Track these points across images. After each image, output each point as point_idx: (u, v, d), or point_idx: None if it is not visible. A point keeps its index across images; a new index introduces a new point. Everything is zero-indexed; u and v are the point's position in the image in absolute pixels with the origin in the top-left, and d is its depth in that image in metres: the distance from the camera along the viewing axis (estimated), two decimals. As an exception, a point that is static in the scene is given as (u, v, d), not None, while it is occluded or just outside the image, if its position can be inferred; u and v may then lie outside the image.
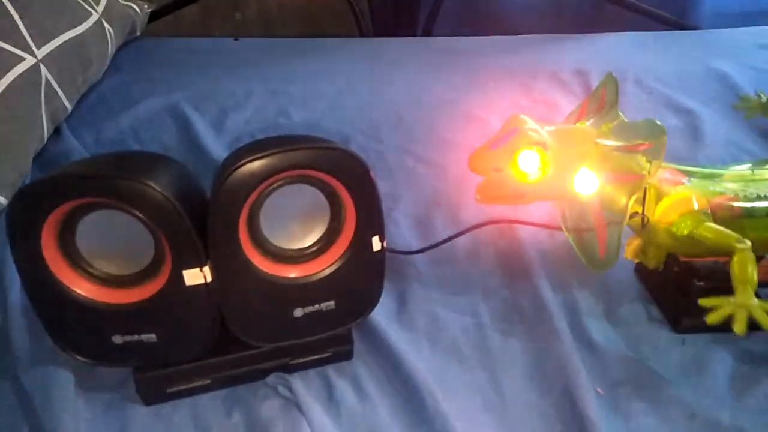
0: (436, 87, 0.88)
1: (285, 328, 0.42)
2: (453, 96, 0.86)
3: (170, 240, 0.37)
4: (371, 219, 0.42)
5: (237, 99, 0.85)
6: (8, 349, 0.45)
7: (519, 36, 1.03)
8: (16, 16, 0.68)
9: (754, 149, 0.72)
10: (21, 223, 0.36)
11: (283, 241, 0.42)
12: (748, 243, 0.42)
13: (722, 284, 0.47)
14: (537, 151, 0.45)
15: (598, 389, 0.44)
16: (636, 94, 0.85)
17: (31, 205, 0.36)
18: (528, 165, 0.45)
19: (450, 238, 0.55)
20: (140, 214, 0.36)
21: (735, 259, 0.42)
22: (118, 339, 0.40)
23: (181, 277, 0.38)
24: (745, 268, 0.41)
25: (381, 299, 0.50)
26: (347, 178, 0.40)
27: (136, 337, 0.40)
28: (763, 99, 0.76)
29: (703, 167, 0.47)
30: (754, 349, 0.47)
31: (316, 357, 0.45)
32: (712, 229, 0.43)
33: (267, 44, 1.07)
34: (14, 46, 0.66)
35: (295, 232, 0.42)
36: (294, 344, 0.44)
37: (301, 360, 0.44)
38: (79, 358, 0.41)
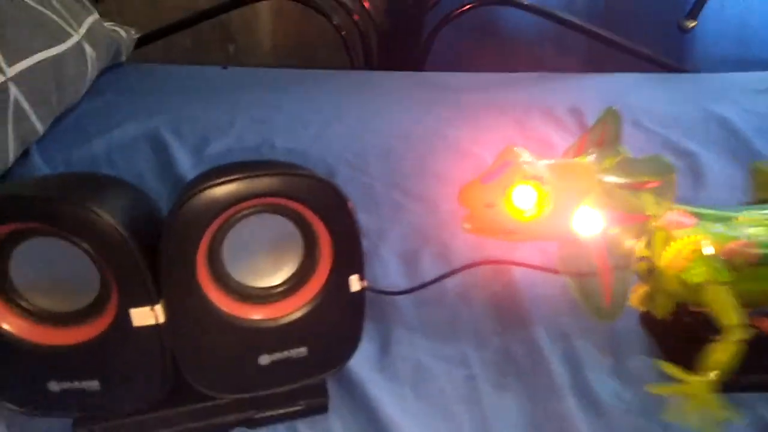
0: (426, 120, 0.85)
1: (249, 377, 0.37)
2: (444, 130, 0.82)
3: (117, 274, 0.33)
4: (349, 255, 0.37)
5: (220, 126, 0.81)
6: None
7: (512, 73, 1.01)
8: (-13, 33, 0.65)
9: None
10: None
11: (249, 278, 0.37)
12: (746, 335, 0.39)
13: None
14: (533, 186, 0.41)
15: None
16: (633, 134, 0.82)
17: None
18: (523, 201, 0.41)
19: (439, 278, 0.50)
20: (83, 244, 0.32)
21: (723, 343, 0.39)
22: (54, 386, 0.35)
23: (128, 316, 0.33)
24: (727, 356, 0.39)
25: (361, 344, 0.46)
26: (323, 209, 0.36)
27: (76, 384, 0.35)
28: None
29: (715, 209, 0.44)
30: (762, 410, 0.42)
31: (285, 410, 0.39)
32: (720, 298, 0.40)
33: (255, 73, 1.05)
34: (-19, 63, 0.63)
35: (263, 269, 0.37)
36: (260, 396, 0.38)
37: (268, 413, 0.39)
38: (10, 406, 0.35)
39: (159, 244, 0.33)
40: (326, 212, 0.35)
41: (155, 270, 0.33)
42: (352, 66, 1.12)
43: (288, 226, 0.37)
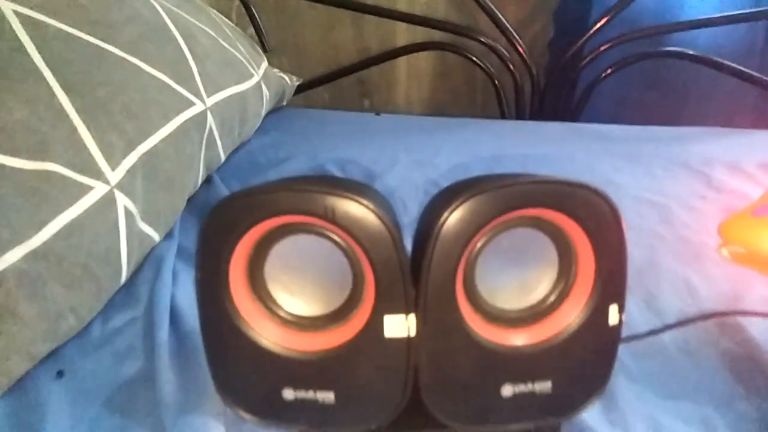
0: (597, 168, 0.81)
1: (488, 408, 0.33)
2: (618, 178, 0.78)
3: (378, 276, 0.31)
4: (613, 281, 0.33)
5: (382, 165, 0.82)
6: (153, 394, 0.39)
7: (678, 128, 0.95)
8: (193, 65, 0.70)
9: None
10: (214, 239, 0.31)
11: (499, 299, 0.34)
12: None
13: None
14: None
15: None
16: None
17: (229, 219, 0.31)
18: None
19: (668, 327, 0.45)
20: (350, 241, 0.30)
21: None
22: (289, 394, 0.33)
23: (381, 324, 0.31)
24: None
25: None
26: (592, 225, 0.32)
27: (311, 394, 0.33)
28: None
29: None
30: None
31: (513, 453, 0.35)
32: None
33: (408, 120, 1.06)
34: (188, 91, 0.67)
35: (513, 289, 0.34)
36: (493, 431, 0.34)
37: (497, 454, 0.35)
38: (242, 412, 0.34)
39: (419, 253, 0.31)
40: (596, 229, 0.32)
41: (413, 280, 0.31)
42: (503, 118, 1.11)
43: (545, 243, 0.33)
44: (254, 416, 0.34)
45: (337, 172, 0.78)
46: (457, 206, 0.31)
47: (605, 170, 0.80)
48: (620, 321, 0.34)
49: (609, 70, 1.06)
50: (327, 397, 0.33)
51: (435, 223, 0.31)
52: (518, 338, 0.33)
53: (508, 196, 0.31)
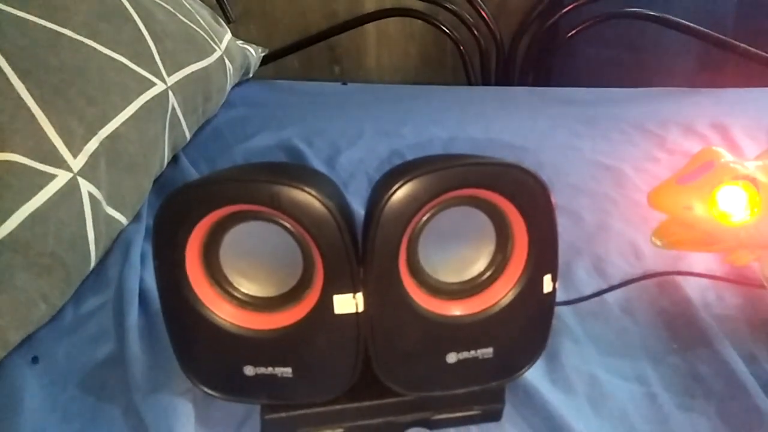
0: (556, 134, 0.83)
1: (435, 375, 0.36)
2: (575, 143, 0.80)
3: (325, 259, 0.33)
4: (545, 253, 0.36)
5: (348, 138, 0.83)
6: (124, 375, 0.41)
7: (644, 88, 0.97)
8: (152, 44, 0.70)
9: None
10: (168, 228, 0.33)
11: (441, 273, 0.36)
12: None
13: None
14: (743, 187, 0.38)
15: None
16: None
17: (181, 209, 0.33)
18: (731, 204, 0.38)
19: (610, 289, 0.48)
20: (297, 227, 0.32)
21: None
22: (250, 370, 0.35)
23: (331, 303, 0.33)
24: None
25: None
26: (524, 202, 0.34)
27: (270, 370, 0.35)
28: None
29: None
30: None
31: (461, 414, 0.38)
32: None
33: (375, 89, 1.07)
34: (148, 71, 0.67)
35: (455, 263, 0.36)
36: (441, 396, 0.37)
37: (444, 416, 0.38)
38: (205, 389, 0.36)
39: (364, 233, 0.33)
40: (527, 206, 0.34)
41: (358, 259, 0.33)
42: (470, 83, 1.12)
43: (483, 221, 0.36)
44: (218, 392, 0.36)
45: (303, 147, 0.79)
46: (397, 189, 0.33)
47: (564, 135, 0.83)
48: (554, 289, 0.37)
49: (573, 32, 1.07)
50: (285, 371, 0.35)
51: (377, 205, 0.33)
52: (460, 309, 0.36)
53: (445, 178, 0.33)
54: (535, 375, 0.42)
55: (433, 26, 1.10)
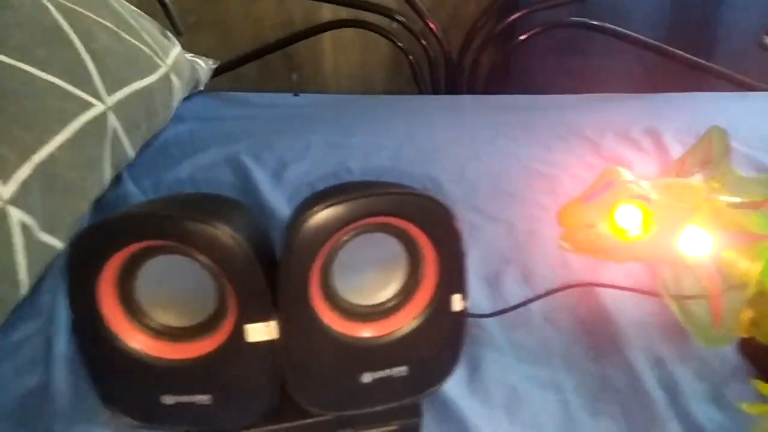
0: (497, 142, 0.85)
1: (352, 395, 0.38)
2: (516, 151, 0.82)
3: (237, 290, 0.34)
4: (454, 274, 0.38)
5: (296, 150, 0.84)
6: (49, 405, 0.42)
7: (585, 95, 1.00)
8: (91, 65, 0.70)
9: None
10: (80, 266, 0.34)
11: (356, 296, 0.38)
12: None
13: None
14: (638, 206, 0.40)
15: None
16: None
17: (91, 246, 0.34)
18: (627, 221, 0.40)
19: (529, 301, 0.50)
20: (208, 261, 0.33)
21: None
22: (169, 399, 0.36)
23: (244, 332, 0.35)
24: None
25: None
26: (432, 229, 0.36)
27: (188, 398, 0.36)
28: None
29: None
30: None
31: (380, 430, 0.40)
32: None
33: (326, 99, 1.08)
34: (86, 93, 0.67)
35: (369, 287, 0.38)
36: (358, 414, 0.39)
37: (365, 432, 0.39)
38: (125, 418, 0.37)
39: (277, 262, 0.34)
40: (435, 231, 0.36)
41: (272, 287, 0.34)
42: (420, 91, 1.14)
43: (394, 245, 0.37)
44: (139, 421, 0.37)
45: (250, 161, 0.80)
46: (308, 218, 0.34)
47: (505, 142, 0.85)
48: (464, 307, 0.39)
49: (520, 40, 1.10)
50: (204, 399, 0.36)
51: (289, 234, 0.34)
52: (374, 331, 0.38)
53: (357, 207, 0.35)
54: (455, 387, 0.44)
55: (385, 37, 1.12)
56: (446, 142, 0.86)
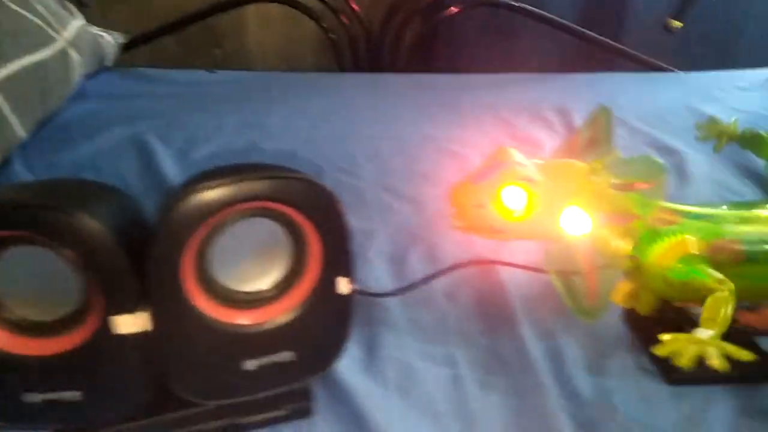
0: (414, 122, 0.85)
1: (234, 382, 0.37)
2: (432, 131, 0.83)
3: (102, 281, 0.32)
4: (339, 258, 0.37)
5: (207, 130, 0.81)
6: None
7: (500, 74, 1.02)
8: (-31, 39, 0.64)
9: (742, 190, 0.70)
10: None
11: (236, 283, 0.37)
12: (731, 285, 0.38)
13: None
14: (522, 188, 0.41)
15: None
16: (619, 133, 0.83)
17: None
18: (512, 202, 0.41)
19: (426, 279, 0.50)
20: (67, 252, 0.31)
21: (710, 299, 0.38)
22: (33, 397, 0.34)
23: (113, 324, 0.33)
24: (717, 309, 0.38)
25: (348, 347, 0.46)
26: (314, 212, 0.36)
27: (57, 395, 0.34)
28: (733, 126, 0.71)
29: (701, 207, 0.44)
30: (755, 404, 0.43)
31: (269, 415, 0.39)
32: (699, 269, 0.40)
33: (243, 77, 1.05)
34: (-37, 70, 0.62)
35: (251, 273, 0.37)
36: (244, 401, 0.38)
37: (251, 419, 0.39)
38: (-11, 418, 0.35)
39: (146, 250, 0.33)
40: (316, 215, 0.35)
41: (142, 276, 0.33)
42: (342, 69, 1.12)
43: (277, 230, 0.36)
44: (3, 421, 0.35)
45: (155, 142, 0.77)
46: (177, 204, 0.33)
47: (422, 122, 0.85)
48: (351, 290, 0.38)
49: (443, 15, 1.10)
50: (74, 396, 0.34)
51: (158, 221, 0.33)
52: (257, 318, 0.37)
53: (232, 192, 0.34)
54: (350, 368, 0.44)
55: (300, 12, 1.09)
56: (363, 122, 0.85)
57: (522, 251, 0.56)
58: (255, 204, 0.35)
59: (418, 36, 1.10)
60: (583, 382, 0.44)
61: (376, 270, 0.57)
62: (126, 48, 1.06)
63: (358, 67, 1.12)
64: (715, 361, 0.36)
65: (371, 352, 0.47)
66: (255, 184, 0.34)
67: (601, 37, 1.03)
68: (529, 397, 0.43)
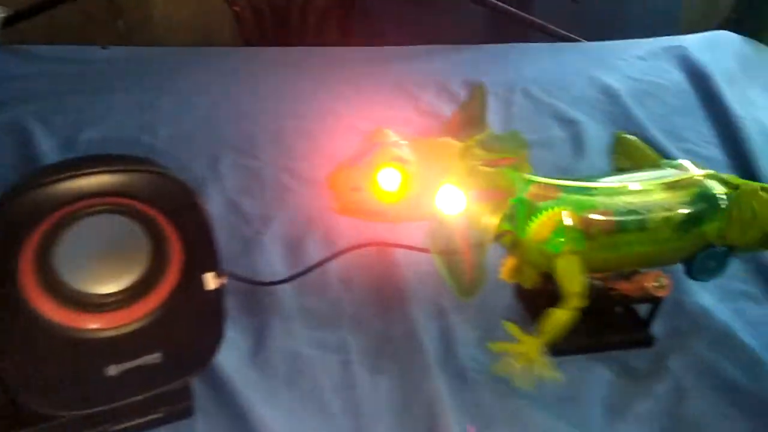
0: (319, 97, 0.83)
1: (96, 390, 0.35)
2: (337, 107, 0.81)
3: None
4: (202, 253, 0.35)
5: (95, 113, 0.75)
6: None
7: (408, 47, 1.00)
8: None
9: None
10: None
11: (88, 285, 0.34)
12: (583, 303, 0.41)
13: (599, 303, 0.45)
14: (396, 168, 0.40)
15: (469, 427, 0.39)
16: (523, 104, 0.84)
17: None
18: (388, 183, 0.40)
19: (317, 265, 0.49)
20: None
21: (561, 310, 0.42)
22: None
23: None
24: (562, 321, 0.41)
25: (235, 340, 0.44)
26: (169, 207, 0.33)
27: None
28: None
29: (577, 180, 0.45)
30: (629, 366, 0.45)
31: (144, 419, 0.37)
32: (568, 267, 0.42)
33: (140, 53, 0.98)
34: None
35: (104, 274, 0.34)
36: (114, 408, 0.36)
37: (123, 426, 0.37)
38: None
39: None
40: (173, 210, 0.33)
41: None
42: (247, 43, 1.07)
43: (133, 227, 0.34)
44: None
45: (36, 126, 0.71)
46: (10, 200, 0.30)
47: (330, 98, 0.83)
48: (220, 285, 0.37)
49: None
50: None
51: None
52: (114, 321, 0.34)
53: (76, 186, 0.31)
54: (237, 361, 0.43)
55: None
56: (266, 99, 0.82)
57: (420, 232, 0.55)
58: (100, 200, 0.32)
59: (326, 8, 1.06)
60: (470, 360, 0.44)
61: (271, 256, 0.55)
62: (14, 21, 0.96)
63: (265, 40, 1.08)
64: (523, 382, 0.41)
65: (259, 343, 0.45)
66: (101, 179, 0.32)
67: (510, 8, 1.03)
68: (416, 379, 0.43)
